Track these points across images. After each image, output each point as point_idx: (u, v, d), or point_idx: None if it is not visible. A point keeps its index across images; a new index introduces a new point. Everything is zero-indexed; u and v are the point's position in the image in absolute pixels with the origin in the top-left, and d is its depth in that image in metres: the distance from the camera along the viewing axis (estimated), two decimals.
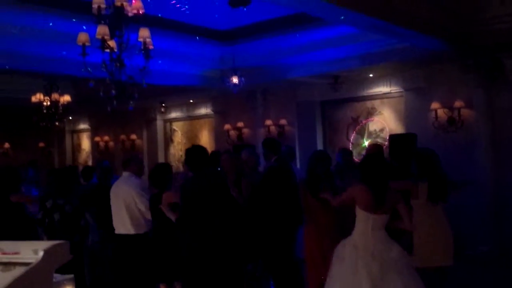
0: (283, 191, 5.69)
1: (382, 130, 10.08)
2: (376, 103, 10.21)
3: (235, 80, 8.97)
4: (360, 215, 4.37)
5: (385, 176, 4.39)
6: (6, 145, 16.80)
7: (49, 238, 5.32)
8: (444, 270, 4.93)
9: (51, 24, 7.39)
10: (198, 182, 4.71)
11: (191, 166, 4.84)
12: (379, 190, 4.30)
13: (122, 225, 5.68)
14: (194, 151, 4.92)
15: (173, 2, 7.58)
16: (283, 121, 11.18)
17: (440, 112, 8.99)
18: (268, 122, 11.35)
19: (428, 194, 4.85)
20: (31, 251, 2.46)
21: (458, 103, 8.78)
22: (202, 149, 4.98)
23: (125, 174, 5.89)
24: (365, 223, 4.32)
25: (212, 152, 7.00)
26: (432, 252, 4.81)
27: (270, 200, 5.64)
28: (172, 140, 13.92)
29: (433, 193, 4.86)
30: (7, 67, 8.10)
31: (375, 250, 4.21)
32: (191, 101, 12.94)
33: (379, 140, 10.00)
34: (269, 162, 6.11)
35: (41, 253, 2.41)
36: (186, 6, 7.82)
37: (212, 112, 12.69)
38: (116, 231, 5.75)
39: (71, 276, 2.92)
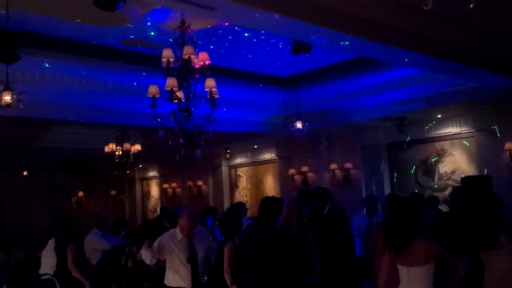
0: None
1: (453, 172, 9.70)
2: (446, 144, 9.88)
3: (298, 125, 9.01)
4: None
5: (408, 223, 4.10)
6: (80, 193, 17.63)
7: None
8: None
9: (124, 79, 7.83)
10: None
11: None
12: (397, 234, 4.07)
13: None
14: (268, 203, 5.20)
15: (237, 52, 7.81)
16: (348, 165, 11.02)
17: None
18: (333, 166, 11.23)
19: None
20: None
21: None
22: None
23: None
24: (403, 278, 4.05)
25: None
26: None
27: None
28: (237, 186, 14.04)
29: None
30: (82, 120, 8.58)
31: None
32: (255, 146, 13.08)
33: (450, 183, 9.62)
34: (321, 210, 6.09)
35: None
36: (250, 56, 8.03)
37: (276, 157, 12.74)
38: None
39: None
